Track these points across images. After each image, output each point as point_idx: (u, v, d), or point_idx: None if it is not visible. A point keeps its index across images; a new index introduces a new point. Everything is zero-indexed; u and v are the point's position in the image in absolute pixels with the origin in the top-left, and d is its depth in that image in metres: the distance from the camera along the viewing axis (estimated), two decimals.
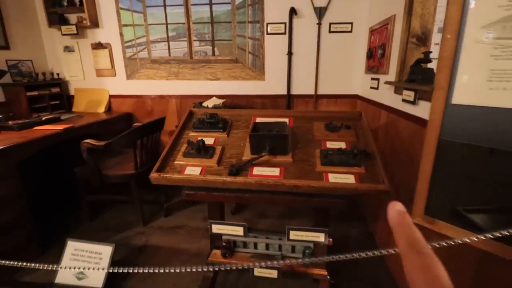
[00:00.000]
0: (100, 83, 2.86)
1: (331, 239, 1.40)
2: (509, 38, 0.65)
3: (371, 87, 2.11)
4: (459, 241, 0.41)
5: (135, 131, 1.96)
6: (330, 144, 1.33)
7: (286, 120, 1.49)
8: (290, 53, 2.48)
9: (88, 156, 1.93)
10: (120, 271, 0.59)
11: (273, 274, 1.37)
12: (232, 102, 2.63)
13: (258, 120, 1.52)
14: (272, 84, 2.59)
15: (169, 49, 2.63)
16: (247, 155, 1.28)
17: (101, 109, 2.82)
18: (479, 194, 0.78)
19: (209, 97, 2.57)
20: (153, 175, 1.21)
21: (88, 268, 0.87)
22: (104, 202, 2.41)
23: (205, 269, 1.47)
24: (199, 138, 1.30)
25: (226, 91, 2.65)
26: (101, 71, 2.82)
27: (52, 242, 1.91)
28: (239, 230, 1.41)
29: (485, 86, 0.69)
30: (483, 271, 0.93)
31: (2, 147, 1.61)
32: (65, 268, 1.53)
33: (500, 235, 0.70)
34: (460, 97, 0.74)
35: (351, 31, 2.38)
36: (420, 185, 0.86)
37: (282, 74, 2.55)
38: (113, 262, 1.64)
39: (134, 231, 2.08)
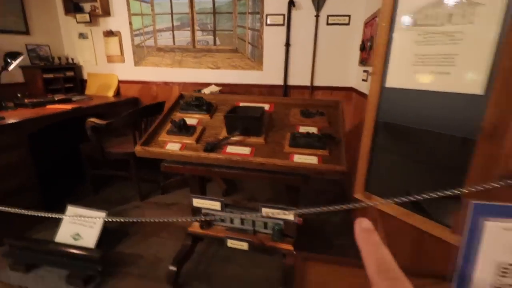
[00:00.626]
0: (111, 68, 3.05)
1: (301, 219, 1.50)
2: (429, 25, 0.71)
3: (362, 79, 2.15)
4: (366, 204, 0.49)
5: (135, 113, 2.12)
6: (303, 129, 1.41)
7: (265, 105, 1.58)
8: (288, 44, 2.54)
9: (92, 133, 2.12)
10: (115, 219, 0.71)
11: (244, 246, 1.48)
12: (231, 90, 2.74)
13: (241, 104, 1.62)
14: (269, 74, 2.67)
15: (173, 38, 2.76)
16: (224, 135, 1.39)
17: (111, 93, 3.02)
18: (408, 171, 0.85)
19: (210, 85, 2.69)
20: (137, 148, 1.35)
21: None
22: (107, 177, 2.61)
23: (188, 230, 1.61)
24: (181, 118, 1.42)
25: (225, 80, 2.76)
26: (111, 57, 3.01)
27: (57, 208, 2.13)
28: (216, 205, 1.53)
29: (411, 70, 0.76)
30: (419, 246, 1.00)
31: (16, 120, 1.82)
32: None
33: (400, 201, 0.79)
34: (392, 80, 0.81)
35: (348, 24, 2.41)
36: (360, 164, 0.94)
37: (279, 64, 2.62)
38: (109, 229, 1.83)
39: (132, 205, 2.27)
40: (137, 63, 2.94)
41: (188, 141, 1.38)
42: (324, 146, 1.27)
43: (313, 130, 1.39)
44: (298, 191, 1.50)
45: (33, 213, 0.80)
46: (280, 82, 2.66)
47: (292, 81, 2.66)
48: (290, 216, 1.44)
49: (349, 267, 0.69)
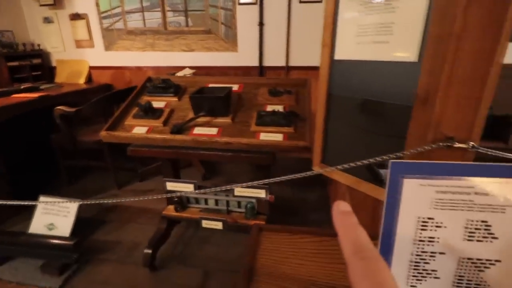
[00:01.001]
0: (80, 54, 2.93)
1: (272, 196, 1.53)
2: None
3: None
4: (312, 173, 0.50)
5: (105, 98, 2.06)
6: (270, 108, 1.42)
7: (234, 86, 1.57)
8: (261, 24, 2.50)
9: (61, 122, 2.06)
10: (87, 202, 0.71)
11: (219, 226, 1.51)
12: (207, 73, 2.69)
13: (210, 85, 1.60)
14: (244, 55, 2.63)
15: (144, 19, 2.66)
16: (191, 117, 1.38)
17: (82, 80, 2.91)
18: (361, 142, 0.87)
19: (184, 68, 2.63)
20: (102, 133, 1.32)
21: None
22: (84, 168, 2.56)
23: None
24: (147, 101, 1.39)
25: (200, 63, 2.70)
26: (80, 42, 2.88)
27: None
28: (190, 187, 1.54)
29: (355, 41, 0.76)
30: (374, 213, 1.05)
31: None
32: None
33: (348, 167, 0.81)
34: (340, 53, 0.81)
35: (321, 1, 2.37)
36: (316, 137, 0.95)
37: (254, 45, 2.58)
38: (85, 218, 1.82)
39: (108, 194, 2.25)
40: (107, 47, 2.83)
41: (155, 124, 1.36)
42: (290, 123, 1.29)
43: (280, 108, 1.40)
44: (269, 170, 1.52)
45: (4, 203, 0.78)
46: (255, 63, 2.63)
47: (267, 62, 2.63)
48: (261, 194, 1.48)
49: (301, 234, 0.73)
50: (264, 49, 2.58)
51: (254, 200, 1.50)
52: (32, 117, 2.31)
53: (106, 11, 2.70)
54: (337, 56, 0.82)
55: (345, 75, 0.82)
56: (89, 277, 1.46)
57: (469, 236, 0.41)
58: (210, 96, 1.32)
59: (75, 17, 2.79)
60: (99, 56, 2.87)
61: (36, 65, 2.82)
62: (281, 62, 2.61)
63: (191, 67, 2.59)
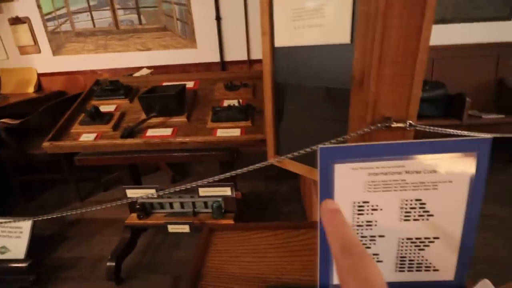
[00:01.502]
0: (26, 61, 2.70)
1: (239, 192, 1.50)
2: None
3: None
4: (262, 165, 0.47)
5: (53, 106, 1.91)
6: (227, 103, 1.38)
7: (189, 83, 1.51)
8: (218, 18, 2.43)
9: (6, 136, 1.88)
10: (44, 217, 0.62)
11: (186, 229, 1.46)
12: (166, 72, 2.58)
13: (164, 84, 1.53)
14: (204, 51, 2.55)
15: (92, 19, 2.49)
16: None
17: (31, 89, 2.69)
18: (311, 129, 0.86)
19: (142, 69, 2.51)
20: (45, 144, 1.22)
21: None
22: (41, 182, 2.38)
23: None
24: (92, 106, 1.30)
25: (159, 62, 2.59)
26: (24, 48, 2.65)
27: None
28: (152, 192, 1.47)
29: (291, 26, 0.74)
30: None
31: None
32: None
33: (292, 156, 0.79)
34: (279, 39, 0.79)
35: None
36: (267, 129, 0.93)
37: (213, 40, 2.51)
38: (45, 236, 1.72)
39: (71, 207, 2.11)
40: (55, 52, 2.63)
41: (104, 130, 1.27)
42: (247, 117, 1.26)
43: (236, 102, 1.37)
44: (232, 167, 1.49)
45: None
46: (216, 59, 2.56)
47: (229, 57, 2.57)
48: (227, 191, 1.44)
49: (254, 230, 0.70)
50: (224, 43, 2.53)
51: (220, 199, 1.46)
52: None
53: (49, 13, 2.50)
54: (278, 43, 0.79)
55: (287, 63, 0.80)
56: None
57: (406, 216, 0.40)
58: (160, 95, 1.26)
59: (16, 21, 2.56)
60: (47, 61, 2.66)
61: None
62: (243, 56, 2.57)
63: (148, 67, 2.47)
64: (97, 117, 1.28)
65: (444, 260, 0.42)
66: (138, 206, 1.47)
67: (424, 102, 2.33)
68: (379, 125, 0.63)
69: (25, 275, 1.39)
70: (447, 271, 0.43)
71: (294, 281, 0.54)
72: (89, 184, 2.38)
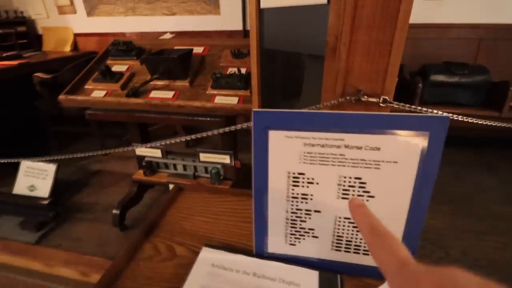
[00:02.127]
0: (64, 21, 2.87)
1: (238, 161, 1.53)
2: None
3: None
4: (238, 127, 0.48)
5: (79, 64, 2.04)
6: (232, 70, 1.36)
7: (199, 48, 1.51)
8: None
9: (41, 89, 2.07)
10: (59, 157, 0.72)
11: None
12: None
13: (176, 48, 1.55)
14: (228, 18, 2.50)
15: None
16: None
17: (68, 48, 2.88)
18: (295, 99, 0.84)
19: (165, 33, 2.54)
20: (61, 97, 1.33)
21: None
22: (73, 134, 2.62)
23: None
24: (104, 65, 1.37)
25: (183, 28, 2.60)
26: (62, 8, 2.81)
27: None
28: (157, 152, 1.56)
29: None
30: None
31: None
32: None
33: None
34: (264, 0, 0.75)
35: None
36: (253, 97, 0.92)
37: (237, 7, 2.44)
38: (71, 182, 1.95)
39: (93, 159, 2.32)
40: (89, 13, 2.75)
41: (113, 88, 1.35)
42: (246, 86, 1.24)
43: (241, 70, 1.35)
44: (234, 136, 1.51)
45: None
46: (239, 27, 2.50)
47: None
48: (226, 159, 1.48)
49: (220, 194, 0.72)
50: (248, 11, 2.44)
51: (219, 166, 1.51)
52: (18, 85, 2.33)
53: None
54: (263, 4, 0.76)
55: (272, 27, 0.76)
56: (64, 234, 1.55)
57: (344, 194, 0.38)
58: (162, 57, 1.28)
59: None
60: (82, 22, 2.81)
61: (22, 33, 2.80)
62: None
63: (172, 32, 2.50)
64: (108, 76, 1.35)
65: None
66: (144, 164, 1.57)
67: (460, 88, 2.10)
68: (348, 97, 0.59)
69: (46, 211, 1.59)
70: None
71: (238, 245, 0.55)
72: (113, 140, 2.57)
